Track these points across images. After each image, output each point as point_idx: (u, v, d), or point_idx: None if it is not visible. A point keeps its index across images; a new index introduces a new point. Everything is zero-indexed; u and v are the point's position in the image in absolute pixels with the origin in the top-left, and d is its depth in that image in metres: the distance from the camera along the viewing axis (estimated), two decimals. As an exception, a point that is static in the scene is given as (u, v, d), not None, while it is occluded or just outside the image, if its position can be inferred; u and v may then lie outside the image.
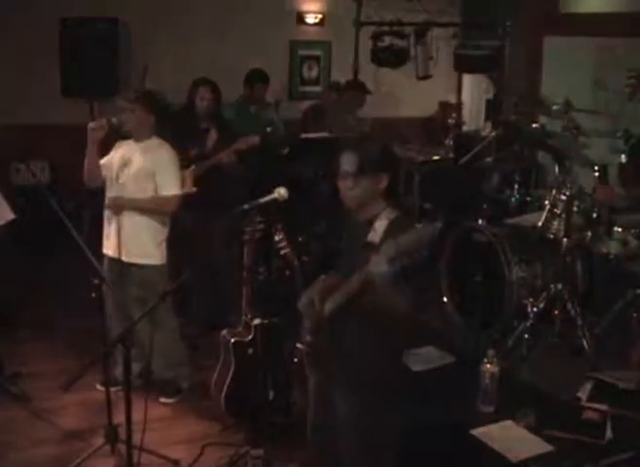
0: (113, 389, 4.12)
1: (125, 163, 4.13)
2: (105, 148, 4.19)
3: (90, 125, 4.03)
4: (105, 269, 4.17)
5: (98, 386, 4.32)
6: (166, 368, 4.34)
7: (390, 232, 2.66)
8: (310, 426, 3.14)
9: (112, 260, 4.20)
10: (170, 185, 4.13)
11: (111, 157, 4.22)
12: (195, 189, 4.82)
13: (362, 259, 2.60)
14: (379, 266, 2.49)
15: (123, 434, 3.35)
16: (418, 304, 2.73)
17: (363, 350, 2.79)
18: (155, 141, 4.19)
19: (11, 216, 4.25)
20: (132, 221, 4.11)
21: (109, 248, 4.21)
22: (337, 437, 2.93)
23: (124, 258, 4.13)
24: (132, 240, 4.12)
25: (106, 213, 4.21)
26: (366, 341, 2.78)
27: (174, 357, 4.37)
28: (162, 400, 4.30)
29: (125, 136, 4.20)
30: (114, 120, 4.07)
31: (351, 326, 2.78)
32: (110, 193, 4.18)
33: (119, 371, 4.05)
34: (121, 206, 4.10)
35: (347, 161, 2.74)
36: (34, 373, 4.54)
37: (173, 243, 5.15)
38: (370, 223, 2.75)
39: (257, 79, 6.30)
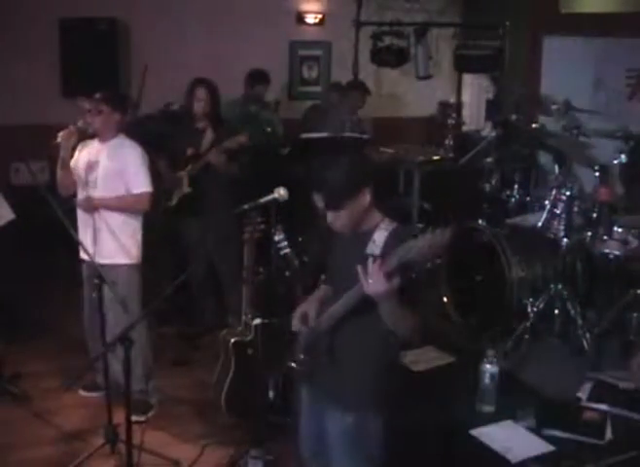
0: (94, 394, 4.15)
1: (92, 166, 4.04)
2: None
3: (60, 136, 3.97)
4: (84, 274, 4.14)
5: (81, 392, 4.31)
6: (134, 381, 3.71)
7: (391, 242, 2.59)
8: (301, 442, 3.08)
9: (89, 263, 4.02)
10: (140, 182, 4.04)
11: (76, 159, 4.13)
12: (190, 189, 4.84)
13: (361, 270, 2.54)
14: (377, 284, 2.42)
15: (123, 434, 3.35)
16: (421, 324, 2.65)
17: (359, 362, 2.73)
18: (120, 140, 4.09)
19: (11, 216, 4.26)
20: (108, 221, 4.02)
21: (85, 252, 4.00)
22: (329, 453, 2.88)
23: (101, 260, 3.95)
24: (109, 241, 4.03)
25: (79, 217, 4.10)
26: (362, 352, 2.72)
27: (138, 370, 3.99)
28: (134, 418, 3.69)
29: (92, 137, 4.12)
30: (80, 124, 4.02)
31: (348, 338, 2.71)
32: (81, 195, 4.09)
33: (100, 377, 4.04)
34: (92, 206, 4.01)
35: (317, 200, 2.67)
36: (34, 373, 4.54)
37: (172, 245, 5.17)
38: (367, 234, 2.68)
39: (257, 79, 6.30)
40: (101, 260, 3.97)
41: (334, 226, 2.70)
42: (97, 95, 4.07)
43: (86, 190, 4.07)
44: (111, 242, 4.05)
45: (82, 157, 4.12)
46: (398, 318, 2.54)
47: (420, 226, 5.99)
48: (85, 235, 4.06)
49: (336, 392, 2.77)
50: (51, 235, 5.31)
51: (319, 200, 2.65)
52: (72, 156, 4.09)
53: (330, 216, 2.68)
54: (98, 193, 4.03)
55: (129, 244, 4.10)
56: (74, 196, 4.16)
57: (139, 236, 4.17)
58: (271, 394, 3.83)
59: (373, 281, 2.42)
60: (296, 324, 2.86)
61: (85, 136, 4.14)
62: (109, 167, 4.02)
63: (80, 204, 4.08)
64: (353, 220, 2.68)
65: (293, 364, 3.05)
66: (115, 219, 4.05)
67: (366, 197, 2.65)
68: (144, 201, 4.08)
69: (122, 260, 4.07)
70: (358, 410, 2.75)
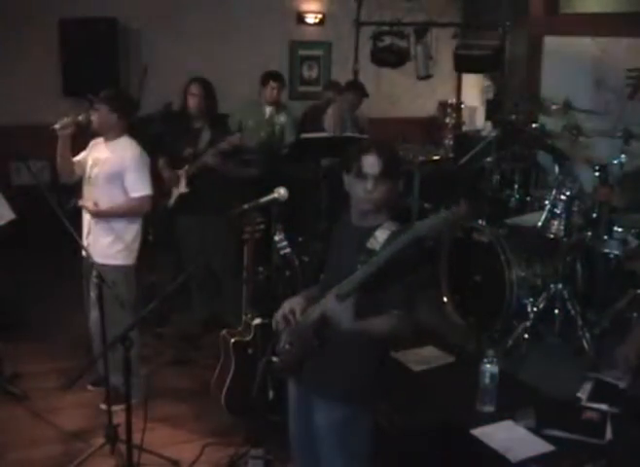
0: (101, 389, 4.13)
1: (96, 163, 4.13)
2: (78, 145, 4.20)
3: (56, 126, 4.04)
4: (83, 272, 4.19)
5: (89, 387, 4.32)
6: (115, 373, 3.79)
7: (391, 241, 2.61)
8: (291, 438, 3.07)
9: (84, 259, 4.14)
10: (139, 186, 4.09)
11: (85, 154, 4.23)
12: (188, 189, 4.84)
13: (360, 263, 2.57)
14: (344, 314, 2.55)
15: (123, 434, 3.35)
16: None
17: (352, 353, 2.73)
18: (123, 141, 4.15)
19: (11, 216, 4.26)
20: (110, 224, 4.09)
21: (84, 251, 4.09)
22: (318, 448, 2.87)
23: (99, 259, 3.99)
24: (96, 240, 4.10)
25: (84, 216, 4.18)
26: (355, 344, 2.70)
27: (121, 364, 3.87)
28: (113, 408, 3.78)
29: (96, 134, 4.21)
30: (80, 117, 4.09)
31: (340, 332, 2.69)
32: (84, 191, 4.19)
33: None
34: (94, 214, 4.07)
35: (371, 164, 2.63)
36: (34, 373, 4.53)
37: (171, 245, 5.15)
38: (369, 230, 2.69)
39: (269, 78, 6.20)
40: (100, 259, 4.00)
41: (368, 195, 2.66)
42: (100, 95, 4.17)
43: (87, 187, 4.16)
44: (111, 243, 4.09)
45: (91, 153, 4.21)
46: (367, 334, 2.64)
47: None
48: (86, 234, 4.15)
49: (326, 384, 2.76)
50: (51, 235, 5.33)
51: (375, 165, 2.63)
52: (77, 148, 4.15)
53: (371, 184, 2.64)
54: (98, 191, 4.09)
55: (129, 246, 4.16)
56: (78, 189, 4.24)
57: (139, 238, 4.22)
58: (271, 394, 3.82)
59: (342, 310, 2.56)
60: (276, 319, 2.82)
61: (90, 132, 4.21)
62: (108, 167, 4.08)
63: (85, 207, 4.13)
64: (379, 202, 2.68)
65: (274, 358, 3.04)
66: (116, 222, 4.10)
67: (396, 191, 2.70)
68: (144, 205, 4.14)
69: (120, 261, 4.12)
70: (348, 402, 2.74)
